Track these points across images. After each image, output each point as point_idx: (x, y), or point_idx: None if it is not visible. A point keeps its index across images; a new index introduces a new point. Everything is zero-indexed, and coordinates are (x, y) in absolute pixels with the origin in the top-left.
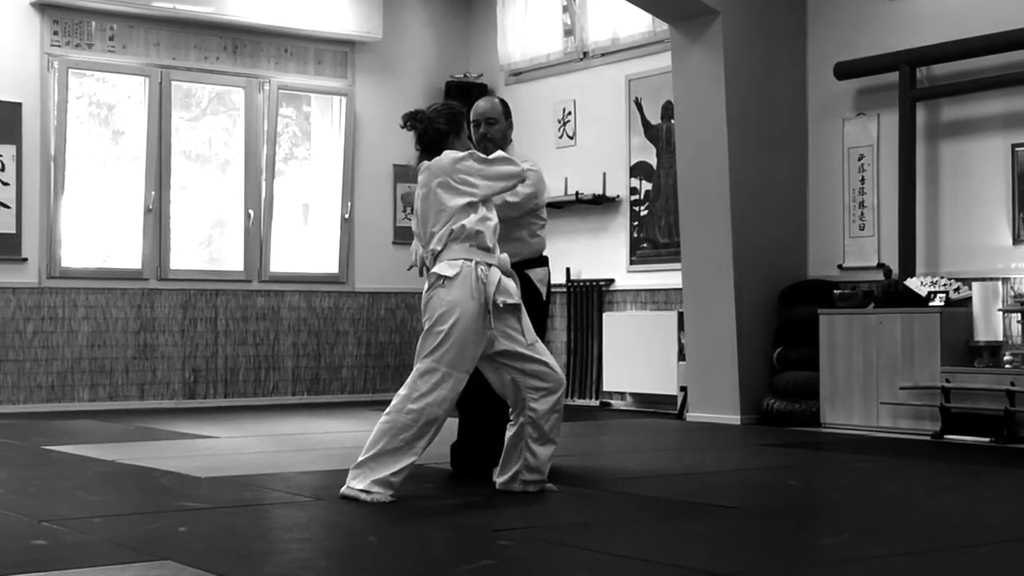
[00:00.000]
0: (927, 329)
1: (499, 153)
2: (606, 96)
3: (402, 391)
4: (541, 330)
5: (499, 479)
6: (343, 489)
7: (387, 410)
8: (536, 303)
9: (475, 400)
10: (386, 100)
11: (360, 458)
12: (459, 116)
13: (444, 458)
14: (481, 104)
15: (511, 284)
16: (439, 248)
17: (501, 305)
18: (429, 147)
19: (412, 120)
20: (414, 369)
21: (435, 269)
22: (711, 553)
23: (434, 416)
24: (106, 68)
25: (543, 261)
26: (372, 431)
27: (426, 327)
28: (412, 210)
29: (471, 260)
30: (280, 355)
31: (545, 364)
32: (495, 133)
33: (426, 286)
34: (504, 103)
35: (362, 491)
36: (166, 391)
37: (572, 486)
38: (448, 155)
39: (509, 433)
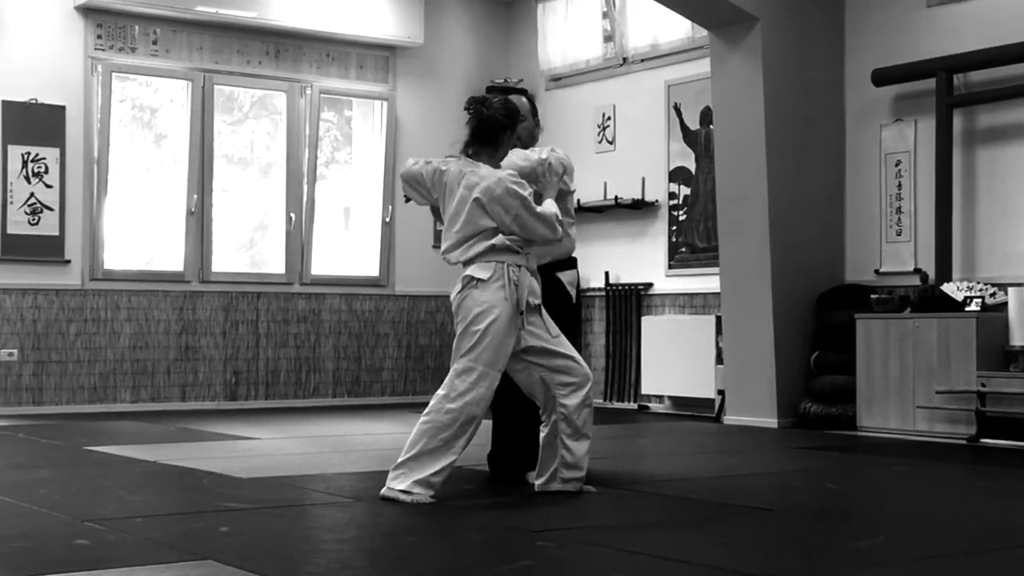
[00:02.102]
0: (963, 334)
1: (553, 211)
2: (645, 101)
3: (440, 391)
4: (573, 334)
5: (537, 480)
6: (383, 490)
7: (426, 411)
8: (566, 307)
9: (501, 403)
10: (427, 105)
11: (400, 459)
12: (517, 113)
13: (483, 460)
14: None
15: (535, 284)
16: (463, 259)
17: (532, 305)
18: (483, 137)
19: (479, 106)
20: (451, 369)
21: (468, 272)
22: (748, 555)
23: (472, 415)
24: (149, 72)
25: (573, 263)
26: (411, 432)
27: (461, 328)
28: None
29: (503, 263)
30: (321, 357)
31: (571, 358)
32: (522, 131)
33: (457, 288)
34: (531, 101)
35: (403, 492)
36: (207, 393)
37: (610, 488)
38: (503, 183)
39: (543, 434)
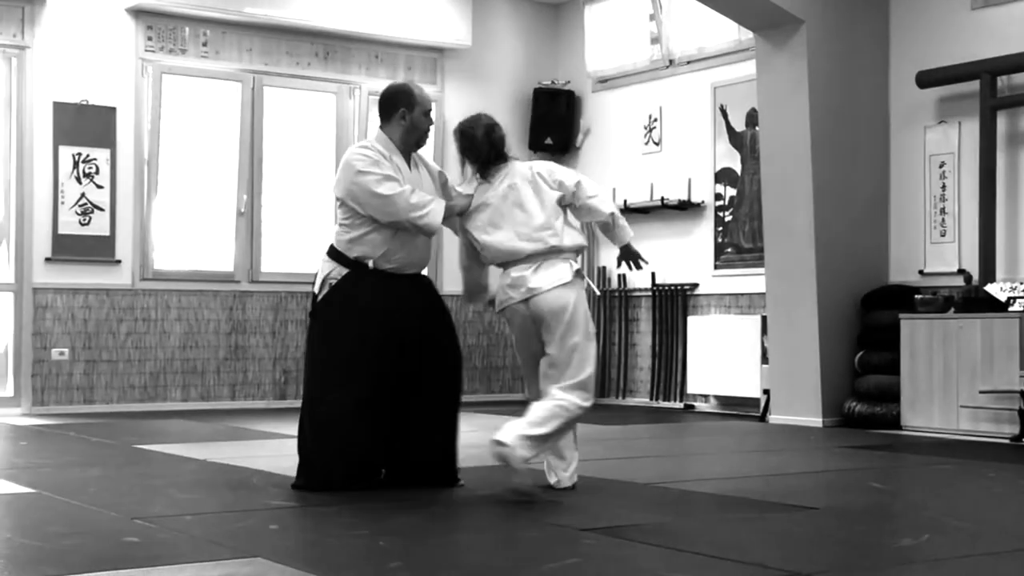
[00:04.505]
0: (1006, 334)
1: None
2: (692, 103)
3: (581, 390)
4: None
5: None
6: (506, 444)
7: (564, 396)
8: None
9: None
10: (475, 106)
11: (534, 431)
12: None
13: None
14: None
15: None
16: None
17: None
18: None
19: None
20: (588, 371)
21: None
22: (793, 553)
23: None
24: (199, 73)
25: None
26: (542, 406)
27: (583, 328)
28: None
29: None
30: None
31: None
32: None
33: (554, 283)
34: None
35: (526, 460)
36: (257, 392)
37: (656, 486)
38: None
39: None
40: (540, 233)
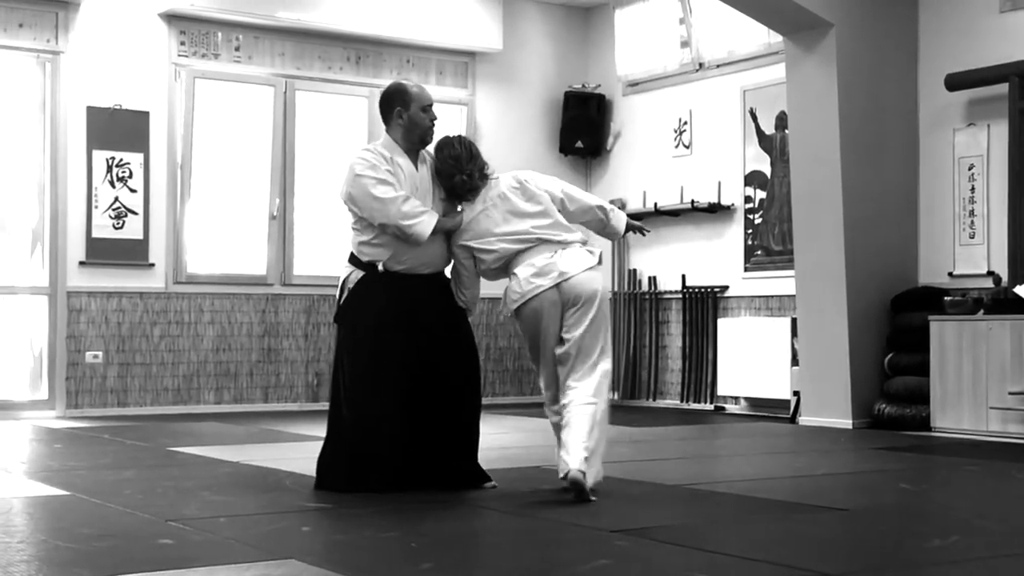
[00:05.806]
0: None
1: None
2: (721, 107)
3: (605, 383)
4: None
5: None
6: (588, 481)
7: (595, 399)
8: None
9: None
10: (506, 110)
11: (591, 444)
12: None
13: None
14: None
15: None
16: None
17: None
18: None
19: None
20: (606, 365)
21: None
22: (823, 554)
23: None
24: (232, 78)
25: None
26: (588, 417)
27: (607, 318)
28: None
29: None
30: None
31: None
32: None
33: (584, 266)
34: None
35: (593, 488)
36: (290, 394)
37: (686, 487)
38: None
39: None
40: (547, 221)
